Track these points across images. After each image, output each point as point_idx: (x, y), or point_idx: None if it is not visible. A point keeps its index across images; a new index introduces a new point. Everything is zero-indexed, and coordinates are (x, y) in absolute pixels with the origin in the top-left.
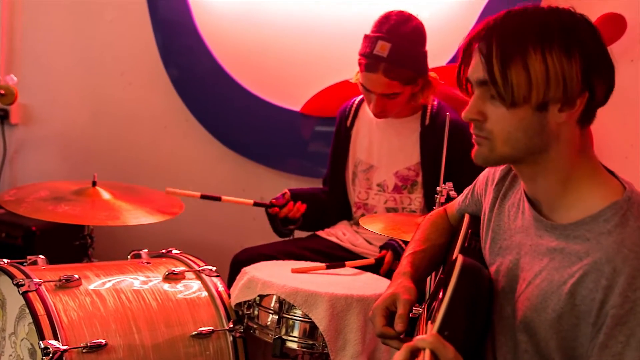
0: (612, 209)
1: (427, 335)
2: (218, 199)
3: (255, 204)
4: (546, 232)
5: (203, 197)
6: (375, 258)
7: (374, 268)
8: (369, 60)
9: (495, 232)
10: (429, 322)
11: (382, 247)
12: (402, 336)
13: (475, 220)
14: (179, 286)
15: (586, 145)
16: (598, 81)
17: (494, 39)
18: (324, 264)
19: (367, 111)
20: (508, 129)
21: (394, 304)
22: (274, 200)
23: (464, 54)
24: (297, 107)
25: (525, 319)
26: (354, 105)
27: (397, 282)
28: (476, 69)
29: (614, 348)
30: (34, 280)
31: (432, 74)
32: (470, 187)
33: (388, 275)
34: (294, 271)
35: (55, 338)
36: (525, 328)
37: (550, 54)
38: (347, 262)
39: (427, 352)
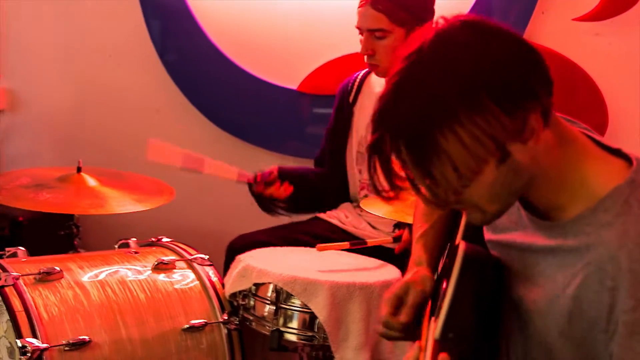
0: (613, 196)
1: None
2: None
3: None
4: (543, 232)
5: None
6: (393, 237)
7: (385, 253)
8: None
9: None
10: (433, 318)
11: (396, 226)
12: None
13: None
14: (169, 277)
15: (561, 133)
16: (532, 102)
17: (401, 140)
18: (347, 242)
19: (371, 85)
20: (485, 195)
21: (407, 294)
22: (258, 175)
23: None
24: (294, 85)
25: (532, 325)
26: (357, 80)
27: (412, 272)
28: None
29: None
30: (12, 273)
31: None
32: None
33: (404, 255)
34: (320, 249)
35: (34, 336)
36: (533, 335)
37: (462, 127)
38: (368, 241)
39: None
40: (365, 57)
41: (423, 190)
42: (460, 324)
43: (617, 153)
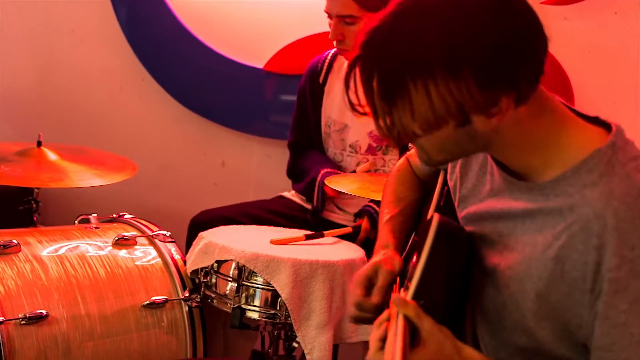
0: (595, 158)
1: (408, 300)
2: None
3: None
4: (522, 194)
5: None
6: (352, 226)
7: (353, 237)
8: None
9: (462, 195)
10: (402, 289)
11: (356, 215)
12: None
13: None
14: (130, 253)
15: (541, 104)
16: (510, 88)
17: (376, 71)
18: (302, 235)
19: (342, 65)
20: (436, 146)
21: (376, 275)
22: None
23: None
24: (260, 64)
25: (508, 290)
26: (328, 59)
27: (380, 254)
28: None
29: (616, 319)
30: None
31: None
32: None
33: (365, 244)
34: (274, 242)
35: None
36: (507, 301)
37: (435, 85)
38: (325, 232)
39: (401, 318)
40: (335, 42)
41: (380, 122)
42: (431, 291)
43: (595, 121)
